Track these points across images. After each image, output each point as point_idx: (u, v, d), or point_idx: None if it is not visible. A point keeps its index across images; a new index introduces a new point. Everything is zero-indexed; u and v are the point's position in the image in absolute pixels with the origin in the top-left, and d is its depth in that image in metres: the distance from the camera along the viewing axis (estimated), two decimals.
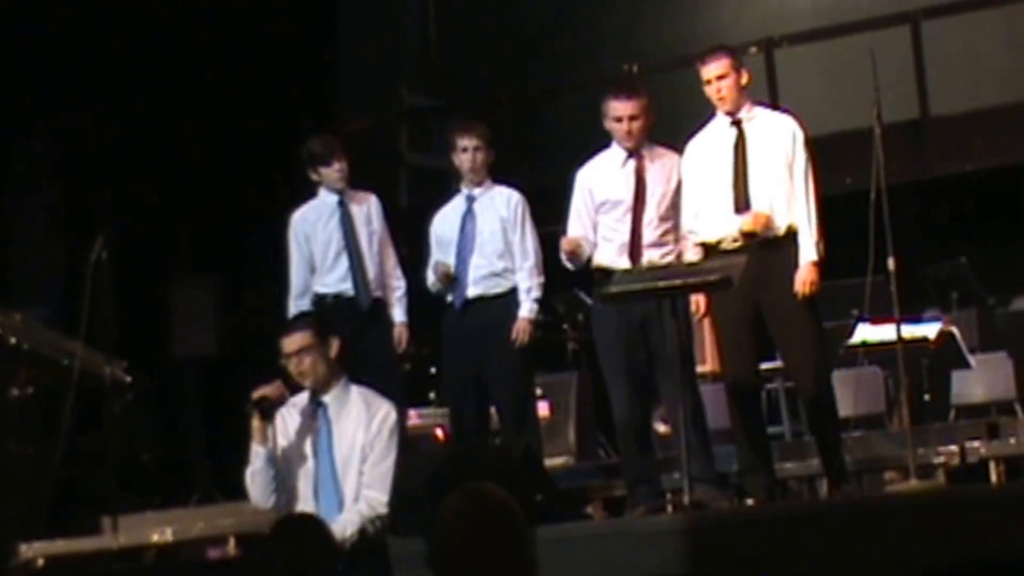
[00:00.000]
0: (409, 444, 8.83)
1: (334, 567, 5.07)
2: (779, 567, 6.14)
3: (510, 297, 7.89)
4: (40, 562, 8.47)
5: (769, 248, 7.06)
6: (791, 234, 7.07)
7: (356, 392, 6.70)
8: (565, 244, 7.41)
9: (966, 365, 9.31)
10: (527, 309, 7.85)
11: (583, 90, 13.06)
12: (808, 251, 7.02)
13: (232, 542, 8.67)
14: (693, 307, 7.35)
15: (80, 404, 7.98)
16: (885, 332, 8.09)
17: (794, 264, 7.03)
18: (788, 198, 7.08)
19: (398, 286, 8.27)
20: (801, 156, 7.12)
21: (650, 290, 7.13)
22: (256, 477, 6.56)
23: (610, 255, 7.44)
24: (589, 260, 7.51)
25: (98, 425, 9.08)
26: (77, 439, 8.55)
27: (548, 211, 10.80)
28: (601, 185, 7.50)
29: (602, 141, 7.59)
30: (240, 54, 12.05)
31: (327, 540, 5.05)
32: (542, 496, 7.20)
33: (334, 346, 6.64)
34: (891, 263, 7.20)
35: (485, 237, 7.91)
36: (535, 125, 12.92)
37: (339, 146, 8.19)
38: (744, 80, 7.19)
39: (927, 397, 8.91)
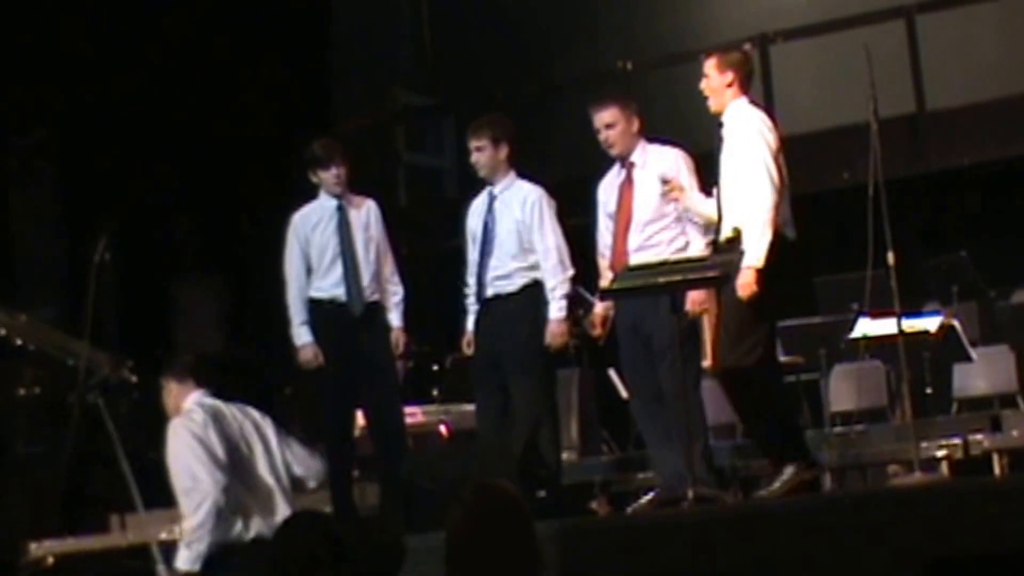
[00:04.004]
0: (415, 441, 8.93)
1: (343, 564, 5.08)
2: (784, 561, 6.16)
3: (522, 294, 7.78)
4: (50, 560, 8.52)
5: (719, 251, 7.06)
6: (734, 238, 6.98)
7: None
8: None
9: (968, 358, 9.32)
10: (556, 308, 7.71)
11: (578, 87, 13.09)
12: (747, 256, 6.85)
13: None
14: (688, 305, 7.25)
15: (86, 404, 8.01)
16: (886, 326, 8.11)
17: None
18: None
19: (395, 292, 8.22)
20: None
21: (650, 286, 7.14)
22: None
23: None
24: None
25: (104, 424, 9.10)
26: (84, 439, 8.58)
27: None
28: (605, 198, 7.56)
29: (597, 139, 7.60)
30: (238, 55, 12.06)
31: (335, 537, 5.06)
32: (545, 492, 7.24)
33: None
34: (891, 257, 7.22)
35: (502, 238, 7.83)
36: (531, 123, 12.90)
37: (340, 151, 8.15)
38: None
39: (929, 390, 8.93)
